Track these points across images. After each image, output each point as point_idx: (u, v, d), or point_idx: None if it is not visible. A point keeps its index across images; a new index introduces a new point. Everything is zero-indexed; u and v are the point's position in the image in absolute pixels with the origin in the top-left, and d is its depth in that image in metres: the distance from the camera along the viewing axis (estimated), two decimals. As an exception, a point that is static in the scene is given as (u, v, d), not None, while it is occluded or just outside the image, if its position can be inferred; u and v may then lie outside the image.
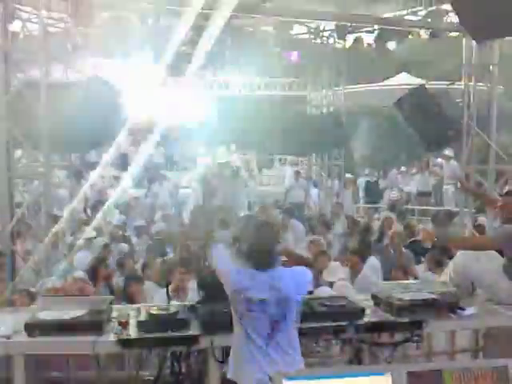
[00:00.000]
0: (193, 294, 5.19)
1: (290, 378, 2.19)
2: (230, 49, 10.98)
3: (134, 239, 9.02)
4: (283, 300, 3.31)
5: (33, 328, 3.82)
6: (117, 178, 14.96)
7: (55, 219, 8.64)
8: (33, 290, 5.66)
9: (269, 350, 3.30)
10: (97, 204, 13.45)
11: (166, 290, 4.94)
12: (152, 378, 4.07)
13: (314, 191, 13.54)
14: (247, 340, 3.35)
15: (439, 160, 14.49)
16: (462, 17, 5.18)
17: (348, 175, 13.75)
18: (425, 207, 13.04)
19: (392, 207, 11.17)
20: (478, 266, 4.56)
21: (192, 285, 5.40)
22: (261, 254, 3.36)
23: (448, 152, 13.48)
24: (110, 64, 17.56)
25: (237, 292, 3.35)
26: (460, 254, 4.76)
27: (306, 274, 3.52)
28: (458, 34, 9.65)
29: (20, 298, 5.33)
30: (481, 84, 8.64)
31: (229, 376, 3.43)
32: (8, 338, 3.79)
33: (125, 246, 7.89)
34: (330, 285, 5.81)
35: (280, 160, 18.51)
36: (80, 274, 6.13)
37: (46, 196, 7.12)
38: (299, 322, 3.54)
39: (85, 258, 7.01)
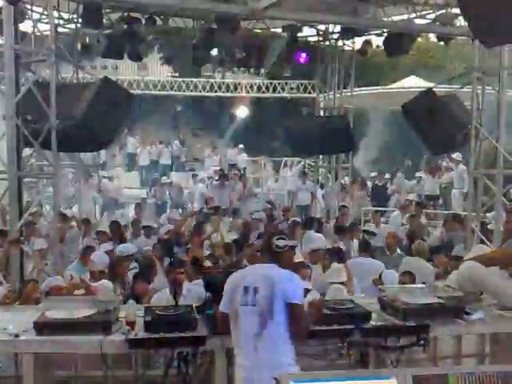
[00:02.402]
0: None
1: (297, 381, 2.20)
2: (238, 50, 10.98)
3: (143, 239, 9.01)
4: (273, 291, 3.51)
5: (41, 327, 3.87)
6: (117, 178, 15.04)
7: (64, 218, 8.72)
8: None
9: (257, 349, 3.50)
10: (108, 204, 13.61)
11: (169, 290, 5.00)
12: (159, 377, 4.09)
13: (320, 194, 13.52)
14: (239, 342, 3.60)
15: (448, 164, 14.45)
16: (471, 21, 5.16)
17: (354, 178, 13.72)
18: (433, 211, 13.01)
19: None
20: (487, 273, 4.55)
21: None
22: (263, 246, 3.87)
23: (456, 156, 13.45)
24: (118, 65, 17.67)
25: (237, 282, 3.67)
26: (468, 262, 4.76)
27: (294, 278, 3.67)
28: (467, 37, 9.61)
29: (29, 287, 5.39)
30: (490, 88, 8.62)
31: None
32: (17, 336, 3.83)
33: (132, 246, 7.85)
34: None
35: (286, 162, 18.50)
36: None
37: (54, 195, 7.18)
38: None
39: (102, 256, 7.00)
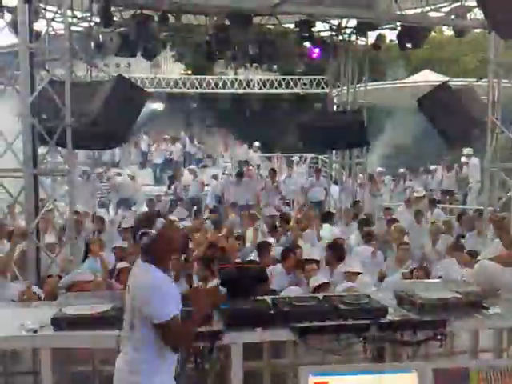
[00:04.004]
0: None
1: (316, 374, 2.19)
2: (251, 47, 10.95)
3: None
4: (132, 305, 3.23)
5: (59, 322, 3.89)
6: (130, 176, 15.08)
7: (80, 216, 8.77)
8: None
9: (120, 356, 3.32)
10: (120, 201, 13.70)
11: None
12: (175, 373, 4.10)
13: (334, 189, 13.44)
14: None
15: (464, 159, 14.33)
16: (488, 13, 5.10)
17: (368, 173, 13.62)
18: (449, 206, 12.91)
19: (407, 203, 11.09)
20: (503, 271, 4.52)
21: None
22: None
23: (468, 150, 13.34)
24: (132, 63, 17.73)
25: None
26: (484, 260, 4.72)
27: (153, 295, 3.13)
28: (482, 30, 9.50)
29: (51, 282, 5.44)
30: (506, 81, 8.52)
31: None
32: (35, 332, 3.85)
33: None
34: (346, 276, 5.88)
35: (300, 158, 18.44)
36: None
37: (69, 193, 7.22)
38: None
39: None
